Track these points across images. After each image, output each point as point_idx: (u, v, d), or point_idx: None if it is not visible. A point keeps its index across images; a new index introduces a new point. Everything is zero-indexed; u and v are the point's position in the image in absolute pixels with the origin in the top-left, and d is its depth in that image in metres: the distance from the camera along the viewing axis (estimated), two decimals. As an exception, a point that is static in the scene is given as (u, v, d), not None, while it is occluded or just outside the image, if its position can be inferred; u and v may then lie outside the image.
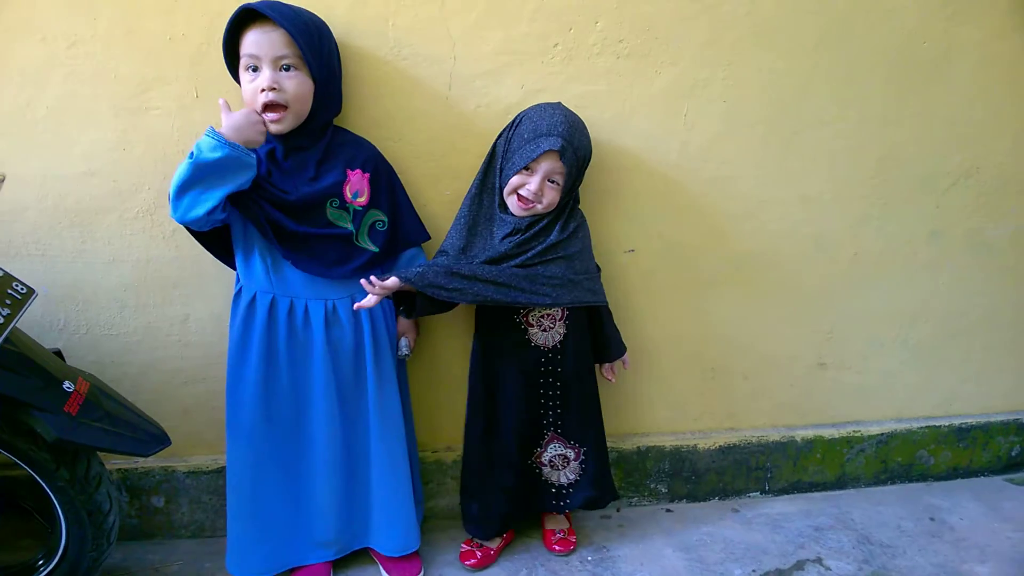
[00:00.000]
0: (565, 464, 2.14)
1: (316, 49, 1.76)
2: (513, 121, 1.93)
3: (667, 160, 2.16)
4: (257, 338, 1.89)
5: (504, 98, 2.01)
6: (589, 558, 2.17)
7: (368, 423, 1.99)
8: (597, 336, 2.11)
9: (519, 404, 2.05)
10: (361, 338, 1.95)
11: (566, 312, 2.02)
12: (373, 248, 1.92)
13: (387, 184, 1.94)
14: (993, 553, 2.23)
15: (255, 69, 1.74)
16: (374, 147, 1.95)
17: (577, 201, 2.02)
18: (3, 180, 1.66)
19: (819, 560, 2.18)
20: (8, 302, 1.62)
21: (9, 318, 1.59)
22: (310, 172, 1.82)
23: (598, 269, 2.09)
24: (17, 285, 1.68)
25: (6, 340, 1.57)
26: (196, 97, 1.94)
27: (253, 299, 1.89)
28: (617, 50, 2.05)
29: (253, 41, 1.71)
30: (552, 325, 2.02)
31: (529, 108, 1.93)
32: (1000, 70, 2.27)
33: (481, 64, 2.00)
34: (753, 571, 2.13)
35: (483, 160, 1.97)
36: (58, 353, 1.86)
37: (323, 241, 1.85)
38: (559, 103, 1.94)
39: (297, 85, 1.74)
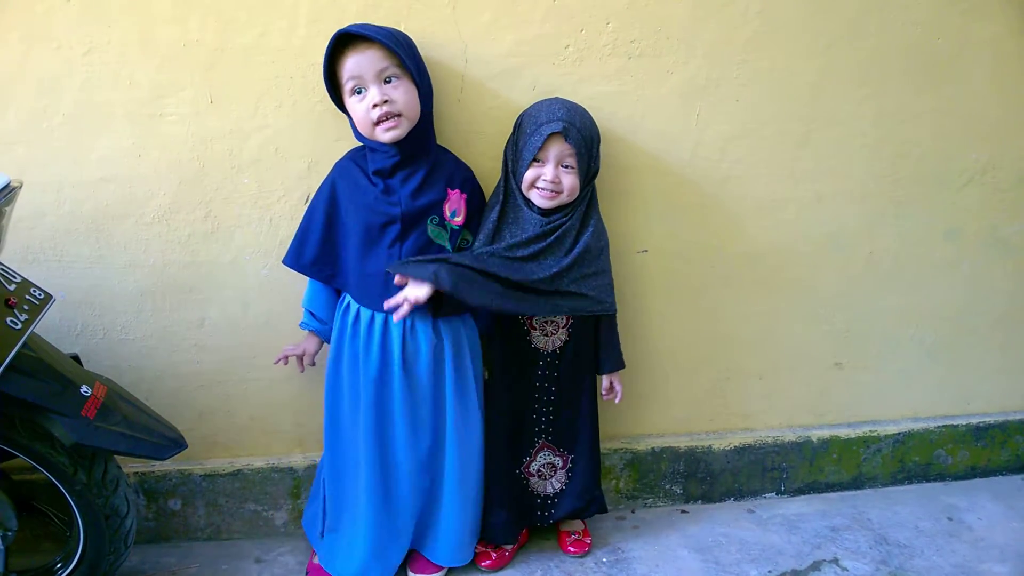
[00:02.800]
0: (552, 473, 2.14)
1: (413, 56, 1.81)
2: (515, 124, 1.95)
3: (680, 160, 2.16)
4: (347, 345, 1.95)
5: (516, 100, 2.01)
6: (604, 559, 2.17)
7: (445, 435, 2.00)
8: (595, 344, 2.09)
9: (511, 408, 2.05)
10: (441, 353, 1.96)
11: (570, 318, 2.01)
12: None
13: (479, 207, 1.99)
14: (1013, 553, 2.21)
15: (360, 91, 1.78)
16: (471, 169, 1.99)
17: (594, 197, 2.01)
18: (20, 187, 1.67)
19: (836, 561, 2.18)
20: (26, 307, 1.63)
21: (27, 323, 1.60)
22: (414, 184, 1.86)
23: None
24: (35, 291, 1.70)
25: (24, 345, 1.59)
26: (211, 103, 1.95)
27: (348, 306, 1.96)
28: (629, 50, 2.05)
29: (354, 64, 1.76)
30: (555, 331, 2.02)
31: (527, 108, 1.94)
32: (1016, 66, 2.25)
33: (493, 66, 2.00)
34: (769, 572, 2.12)
35: (502, 167, 1.99)
36: (75, 358, 1.87)
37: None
38: (556, 97, 1.95)
39: (404, 92, 1.79)
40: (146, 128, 1.95)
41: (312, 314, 2.01)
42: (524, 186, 1.90)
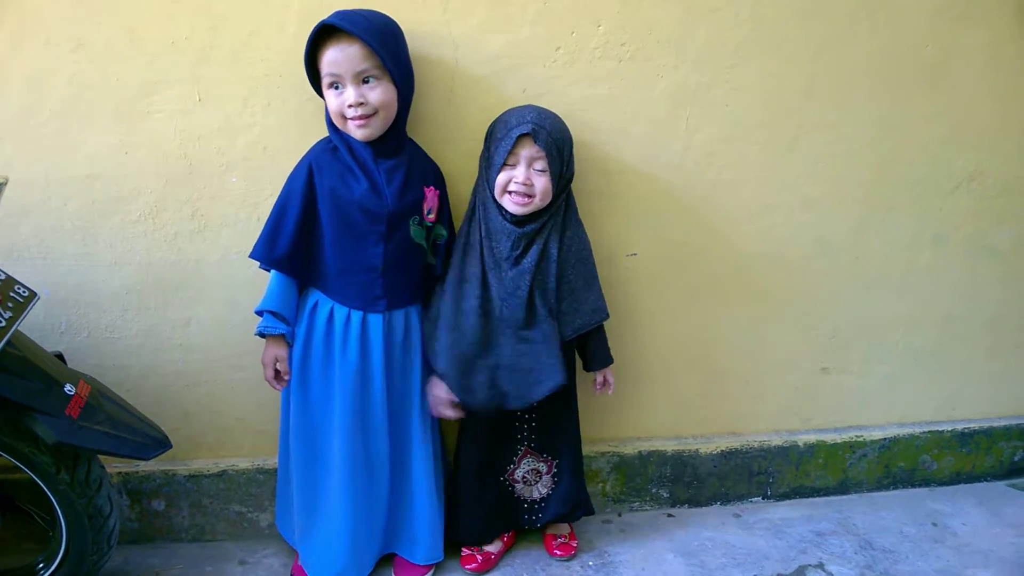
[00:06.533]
0: (537, 479, 2.14)
1: (395, 55, 1.78)
2: (487, 134, 1.95)
3: (669, 164, 2.16)
4: (319, 345, 1.92)
5: (506, 101, 2.00)
6: (590, 563, 2.17)
7: (412, 433, 2.02)
8: (581, 345, 2.10)
9: (488, 416, 2.04)
10: (410, 350, 1.98)
11: None
12: (435, 262, 1.98)
13: (447, 203, 2.01)
14: (996, 559, 2.22)
15: (338, 87, 1.77)
16: (436, 163, 1.99)
17: (571, 205, 2.02)
18: (6, 183, 1.66)
19: (821, 565, 2.18)
20: (10, 305, 1.62)
21: (11, 321, 1.59)
22: (399, 183, 1.85)
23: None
24: (19, 288, 1.68)
25: (8, 343, 1.57)
26: (199, 100, 1.94)
27: (316, 304, 1.92)
28: (619, 54, 2.05)
29: (332, 60, 1.74)
30: None
31: (498, 116, 1.94)
32: (1005, 73, 2.26)
33: (483, 68, 2.00)
34: (755, 576, 2.13)
35: (473, 187, 2.00)
36: (59, 356, 1.86)
37: (409, 259, 1.92)
38: (528, 104, 1.96)
39: (381, 94, 1.77)
40: (134, 125, 1.94)
41: (274, 315, 1.87)
42: (497, 192, 1.89)
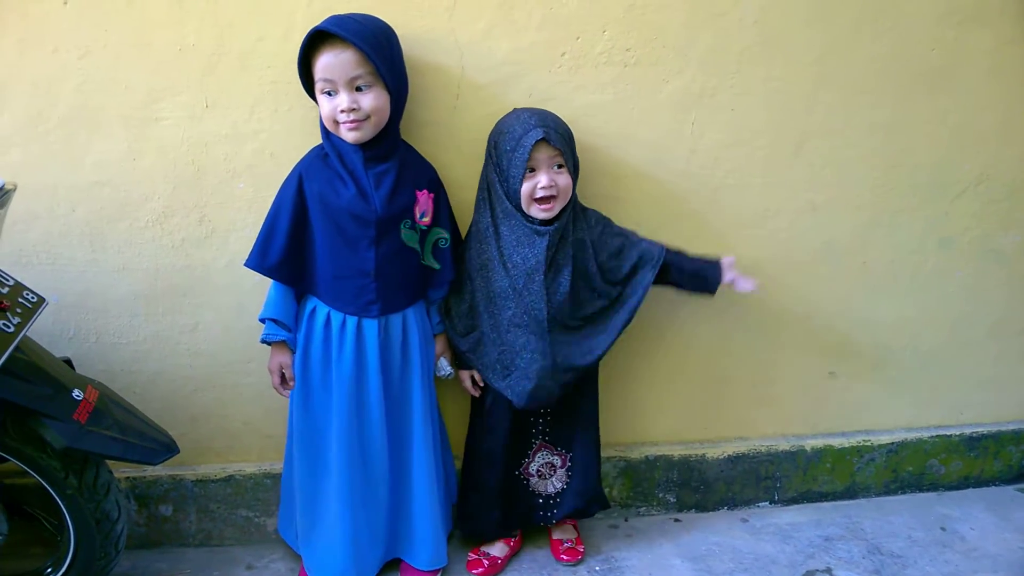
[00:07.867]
0: (552, 472, 2.14)
1: (388, 61, 1.78)
2: (489, 147, 1.95)
3: (675, 168, 2.16)
4: (317, 349, 1.93)
5: (512, 107, 2.01)
6: (597, 568, 2.17)
7: (412, 436, 2.01)
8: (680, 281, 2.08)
9: (507, 411, 2.05)
10: (409, 353, 1.98)
11: None
12: (437, 266, 1.97)
13: (446, 205, 1.99)
14: (1004, 563, 2.21)
15: (331, 93, 1.77)
16: (434, 168, 1.99)
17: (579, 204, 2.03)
18: (14, 190, 1.67)
19: (829, 570, 2.17)
20: (19, 311, 1.63)
21: (20, 327, 1.60)
22: (388, 188, 1.85)
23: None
24: (28, 294, 1.69)
25: (16, 348, 1.58)
26: (206, 107, 1.95)
27: (314, 310, 1.93)
28: (624, 59, 2.05)
29: (326, 65, 1.74)
30: None
31: (495, 128, 1.95)
32: (1011, 76, 2.26)
33: (489, 73, 2.01)
34: (762, 581, 2.12)
35: (479, 199, 1.99)
36: (68, 361, 1.87)
37: (402, 263, 1.92)
38: (514, 109, 1.97)
39: (373, 100, 1.77)
40: (141, 132, 1.96)
41: (276, 323, 1.91)
42: (524, 203, 1.89)
